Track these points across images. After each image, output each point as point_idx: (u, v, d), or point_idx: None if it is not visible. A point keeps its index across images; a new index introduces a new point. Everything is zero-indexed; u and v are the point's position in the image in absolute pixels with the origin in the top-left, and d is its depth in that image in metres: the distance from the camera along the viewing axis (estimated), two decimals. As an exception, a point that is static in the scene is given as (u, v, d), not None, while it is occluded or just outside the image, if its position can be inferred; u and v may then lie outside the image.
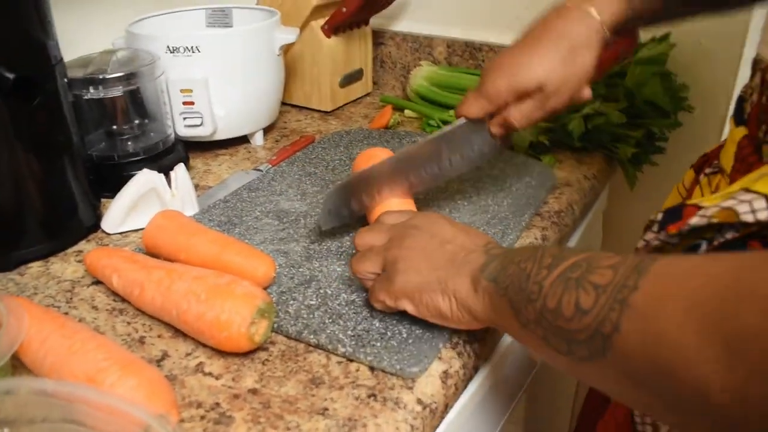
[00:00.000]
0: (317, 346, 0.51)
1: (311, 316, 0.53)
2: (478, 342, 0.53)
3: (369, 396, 0.47)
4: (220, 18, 0.93)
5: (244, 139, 0.92)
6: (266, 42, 0.85)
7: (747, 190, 0.40)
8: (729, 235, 0.41)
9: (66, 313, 0.55)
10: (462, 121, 0.63)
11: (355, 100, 1.10)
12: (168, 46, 0.77)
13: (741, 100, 0.49)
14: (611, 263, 0.35)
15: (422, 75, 1.03)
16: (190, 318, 0.49)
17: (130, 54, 0.76)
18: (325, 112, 1.04)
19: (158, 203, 0.69)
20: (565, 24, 0.56)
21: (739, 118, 0.48)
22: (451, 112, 0.97)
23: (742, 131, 0.47)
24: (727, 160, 0.48)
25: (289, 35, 0.86)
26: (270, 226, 0.68)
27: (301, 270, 0.60)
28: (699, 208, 0.43)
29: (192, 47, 0.77)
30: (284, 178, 0.79)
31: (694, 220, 0.42)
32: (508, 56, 0.58)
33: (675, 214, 0.45)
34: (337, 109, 1.06)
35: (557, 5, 0.58)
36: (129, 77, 0.72)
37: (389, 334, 0.51)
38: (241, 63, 0.82)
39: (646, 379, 0.32)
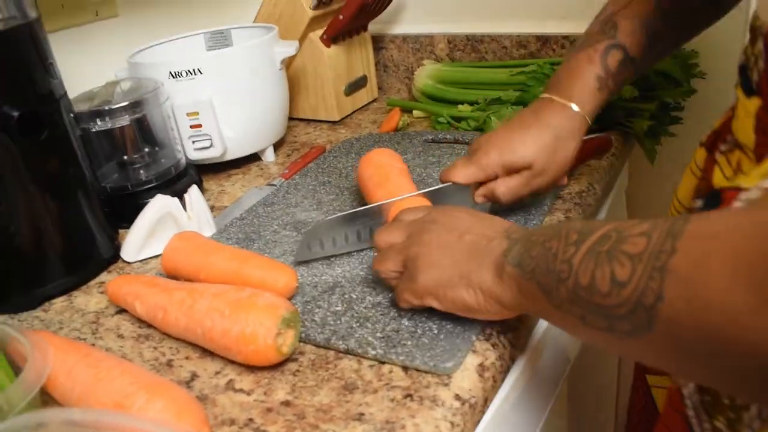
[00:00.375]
0: (347, 352, 0.50)
1: (338, 321, 0.52)
2: (512, 332, 0.51)
3: (405, 396, 0.45)
4: (220, 40, 0.94)
5: (255, 157, 0.91)
6: (266, 57, 0.84)
7: None
8: None
9: (92, 345, 0.55)
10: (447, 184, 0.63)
11: (362, 108, 1.09)
12: (170, 72, 0.77)
13: (744, 69, 0.47)
14: (642, 230, 0.33)
15: (426, 74, 1.02)
16: (215, 335, 0.48)
17: (133, 83, 0.76)
18: (334, 122, 1.04)
19: (175, 227, 0.69)
20: (550, 115, 0.61)
21: (748, 88, 0.45)
22: (461, 107, 0.96)
23: (756, 102, 0.44)
24: (747, 135, 0.45)
25: (288, 48, 0.86)
26: (288, 238, 0.67)
27: (324, 278, 0.59)
28: (740, 190, 0.41)
29: (194, 70, 0.77)
30: (298, 190, 0.78)
31: (737, 204, 0.40)
32: (501, 135, 0.62)
33: (715, 199, 0.43)
34: (345, 117, 1.05)
35: (543, 97, 0.63)
36: (134, 106, 0.72)
37: (419, 331, 0.50)
38: (244, 80, 0.82)
39: (697, 347, 0.30)
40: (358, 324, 0.52)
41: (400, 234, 0.51)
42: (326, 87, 1.00)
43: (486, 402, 0.48)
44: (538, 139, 0.60)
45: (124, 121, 0.71)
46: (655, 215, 0.35)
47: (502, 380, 0.51)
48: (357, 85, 1.06)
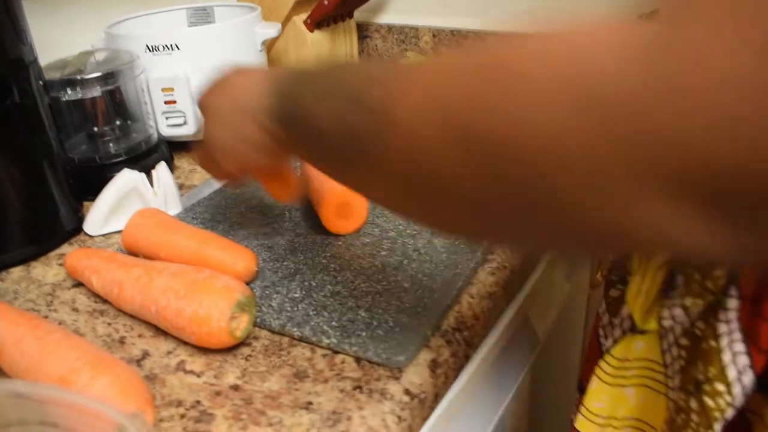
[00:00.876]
0: (301, 339, 0.50)
1: (295, 308, 0.52)
2: (468, 330, 0.52)
3: (354, 388, 0.45)
4: (202, 17, 0.92)
5: (230, 138, 0.90)
6: (247, 37, 0.83)
7: None
8: None
9: (46, 317, 0.54)
10: None
11: (343, 95, 1.08)
12: (147, 45, 0.76)
13: None
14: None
15: (409, 66, 1.02)
16: (169, 314, 0.48)
17: (108, 54, 0.75)
18: (313, 108, 1.03)
19: (140, 203, 0.68)
20: None
21: None
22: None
23: None
24: None
25: (270, 30, 0.85)
26: (254, 222, 0.67)
27: (285, 263, 0.59)
28: None
29: (171, 45, 0.76)
30: (270, 173, 0.78)
31: None
32: None
33: None
34: (325, 104, 1.05)
35: None
36: (107, 77, 0.71)
37: (375, 323, 0.50)
38: (223, 59, 0.81)
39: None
40: (314, 312, 0.52)
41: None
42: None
43: (437, 398, 0.48)
44: None
45: (96, 92, 0.70)
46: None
47: (455, 377, 0.51)
48: (339, 72, 1.05)
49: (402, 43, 1.08)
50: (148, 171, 0.70)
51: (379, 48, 1.11)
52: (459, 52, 0.32)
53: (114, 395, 0.39)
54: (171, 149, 0.82)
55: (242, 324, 0.48)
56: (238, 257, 0.54)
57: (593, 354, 0.54)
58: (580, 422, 0.49)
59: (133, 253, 0.59)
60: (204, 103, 0.52)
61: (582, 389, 0.55)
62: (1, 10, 0.58)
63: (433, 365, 0.48)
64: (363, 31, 1.10)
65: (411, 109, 0.31)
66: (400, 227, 0.63)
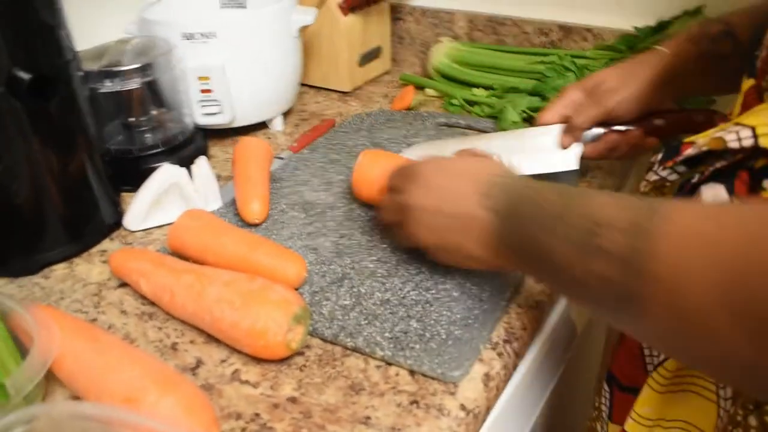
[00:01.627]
0: (354, 350, 0.50)
1: (346, 317, 0.52)
2: (518, 341, 0.52)
3: (411, 403, 0.45)
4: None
5: (263, 125, 0.89)
6: (284, 24, 0.82)
7: (736, 124, 0.41)
8: (718, 164, 0.42)
9: (94, 319, 0.54)
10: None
11: (373, 79, 1.07)
12: (184, 33, 0.74)
13: (753, 56, 0.48)
14: (622, 225, 0.36)
15: (443, 52, 1.00)
16: (224, 326, 0.48)
17: (145, 42, 0.73)
18: (344, 93, 1.01)
19: (181, 198, 0.67)
20: (636, 55, 0.67)
21: (750, 71, 0.47)
22: (475, 91, 0.94)
23: (750, 82, 0.47)
24: (735, 109, 0.48)
25: (306, 16, 0.83)
26: (296, 220, 0.66)
27: (332, 267, 0.58)
28: (693, 143, 0.43)
29: (208, 33, 0.75)
30: (307, 166, 0.77)
31: (689, 151, 0.43)
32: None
33: (673, 150, 0.45)
34: (357, 89, 1.03)
35: None
36: (145, 68, 0.69)
37: (428, 335, 0.50)
38: (259, 47, 0.80)
39: (675, 341, 0.34)
40: (366, 321, 0.51)
41: (392, 208, 0.55)
42: (340, 56, 0.98)
43: (488, 410, 0.48)
44: (615, 67, 0.66)
45: (135, 83, 0.69)
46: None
47: (504, 388, 0.51)
48: (371, 55, 1.03)
49: (435, 27, 1.06)
50: (185, 163, 0.69)
51: (412, 32, 1.08)
52: (706, 207, 0.35)
53: (180, 415, 0.39)
54: (206, 138, 0.81)
55: (298, 336, 0.48)
56: (288, 263, 0.54)
57: (627, 349, 0.54)
58: (630, 426, 0.49)
59: (178, 254, 0.58)
60: (407, 199, 0.52)
61: (613, 379, 0.55)
62: (47, 13, 0.56)
63: (486, 379, 0.48)
64: (396, 13, 1.08)
65: (675, 266, 0.32)
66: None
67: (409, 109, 0.93)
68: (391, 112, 0.91)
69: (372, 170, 0.63)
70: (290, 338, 0.47)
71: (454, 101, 0.93)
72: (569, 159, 0.67)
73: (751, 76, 0.47)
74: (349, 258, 0.59)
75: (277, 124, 0.89)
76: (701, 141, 0.42)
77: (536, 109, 0.85)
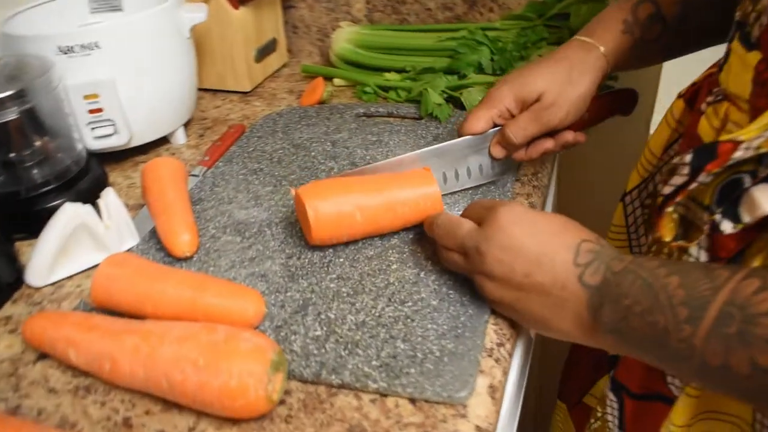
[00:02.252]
0: (342, 386, 0.44)
1: (323, 350, 0.46)
2: (509, 341, 0.48)
3: (421, 436, 0.41)
4: (107, 1, 0.79)
5: (164, 140, 0.79)
6: (173, 25, 0.72)
7: None
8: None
9: (17, 407, 0.45)
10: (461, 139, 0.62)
11: (272, 75, 0.99)
12: (60, 47, 0.63)
13: (742, 25, 0.46)
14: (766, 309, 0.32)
15: (344, 37, 0.94)
16: (188, 390, 0.40)
17: (14, 63, 0.62)
18: (244, 93, 0.93)
19: (91, 240, 0.57)
20: (568, 50, 0.60)
21: (747, 43, 0.45)
22: (388, 75, 0.89)
23: (756, 56, 0.44)
24: (741, 87, 0.46)
25: (198, 14, 0.74)
26: (232, 245, 0.59)
27: (289, 294, 0.52)
28: (736, 143, 0.40)
29: (89, 44, 0.64)
30: (227, 181, 0.69)
31: (739, 154, 0.39)
32: (514, 73, 0.61)
33: (708, 152, 0.42)
34: (257, 87, 0.95)
35: (570, 41, 0.61)
36: (21, 94, 0.58)
37: (420, 355, 0.45)
38: (150, 54, 0.70)
39: None
40: (347, 351, 0.46)
41: (459, 259, 0.49)
42: (235, 53, 0.89)
43: (497, 422, 0.45)
44: (550, 71, 0.58)
45: (11, 113, 0.57)
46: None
47: (503, 393, 0.48)
48: (267, 49, 0.95)
49: (331, 12, 1.00)
50: (85, 197, 0.60)
51: (306, 19, 1.01)
52: None
53: None
54: (102, 164, 0.71)
55: (278, 384, 0.41)
56: (243, 301, 0.47)
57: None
58: None
59: (105, 309, 0.50)
60: (482, 265, 0.46)
61: (620, 387, 0.54)
62: None
63: (492, 391, 0.44)
64: (287, 1, 1.00)
65: None
66: (402, 233, 0.58)
67: (321, 102, 0.87)
68: (303, 109, 0.84)
69: (329, 209, 0.54)
70: (271, 390, 0.41)
71: (367, 89, 0.88)
72: (499, 167, 0.64)
73: (752, 48, 0.44)
74: (305, 280, 0.53)
75: (180, 137, 0.80)
76: (755, 142, 0.39)
77: (456, 88, 0.82)
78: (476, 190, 0.64)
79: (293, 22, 1.02)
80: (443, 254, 0.51)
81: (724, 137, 0.41)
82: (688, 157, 0.43)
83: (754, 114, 0.43)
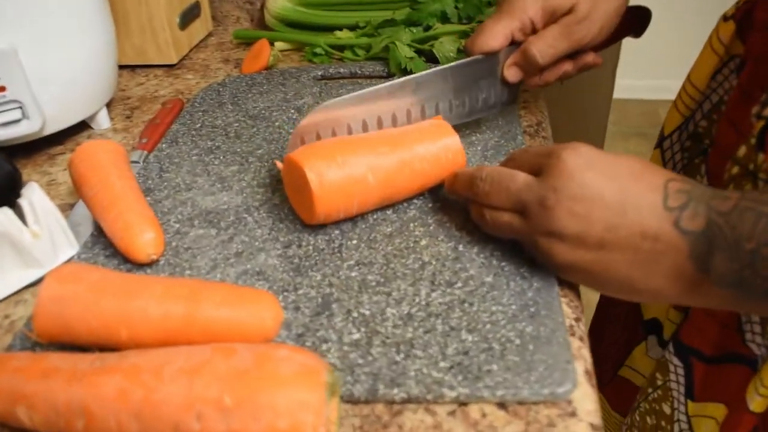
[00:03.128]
0: (407, 401, 0.34)
1: (369, 357, 0.35)
2: (582, 314, 0.40)
3: (531, 450, 0.31)
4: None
5: (83, 126, 0.64)
6: (83, -23, 0.57)
7: None
8: None
9: (-53, 503, 0.31)
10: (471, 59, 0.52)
11: (198, 45, 0.85)
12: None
13: None
14: None
15: (282, -5, 0.82)
16: (214, 441, 0.29)
17: None
18: (170, 67, 0.79)
19: (14, 255, 0.43)
20: None
21: None
22: (339, 33, 0.78)
23: None
24: None
25: (112, -38, 0.59)
26: (207, 239, 0.46)
27: (301, 292, 0.41)
28: None
29: (-24, 0, 0.48)
30: (179, 165, 0.56)
31: None
32: None
33: None
34: (183, 59, 0.81)
35: None
36: None
37: (497, 346, 0.35)
38: (59, 16, 0.55)
39: None
40: (402, 355, 0.35)
41: (513, 219, 0.40)
42: (156, 18, 0.74)
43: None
44: None
45: None
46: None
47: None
48: (191, 14, 0.81)
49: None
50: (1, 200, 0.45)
51: (232, -23, 0.87)
52: None
53: None
54: (11, 159, 0.55)
55: (334, 413, 0.30)
56: (257, 308, 0.35)
57: (706, 316, 0.47)
58: (758, 403, 0.41)
59: (55, 343, 0.36)
60: (550, 222, 0.37)
61: (687, 350, 0.47)
62: None
63: (588, 377, 0.35)
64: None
65: None
66: (419, 203, 0.48)
67: (267, 68, 0.74)
68: (249, 77, 0.71)
69: (336, 173, 0.42)
70: (329, 420, 0.30)
71: (318, 50, 0.77)
72: (508, 94, 0.55)
73: None
74: (316, 272, 0.42)
75: (103, 121, 0.65)
76: None
77: (423, 41, 0.72)
78: (485, 147, 0.55)
79: (217, -18, 0.88)
80: (490, 217, 0.41)
81: None
82: None
83: None
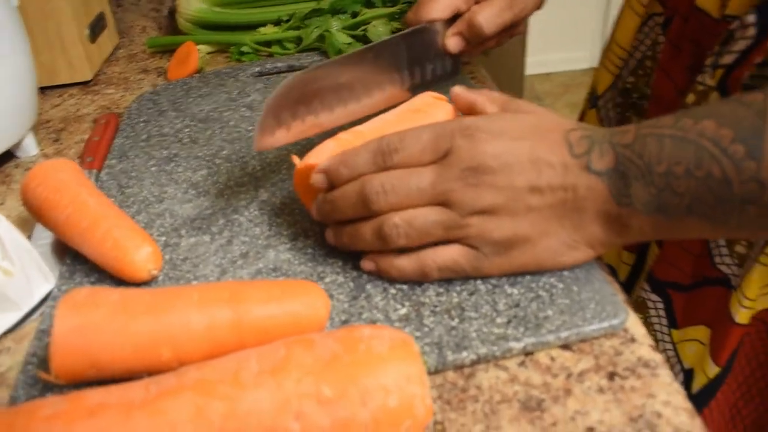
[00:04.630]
0: (476, 362, 0.33)
1: (425, 329, 0.35)
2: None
3: (610, 378, 0.32)
4: None
5: (7, 156, 0.58)
6: (-7, -13, 0.51)
7: None
8: None
9: None
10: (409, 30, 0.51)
11: (108, 59, 0.79)
12: None
13: None
14: None
15: (194, -3, 0.78)
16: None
17: None
18: (85, 84, 0.73)
19: (-11, 298, 0.38)
20: None
21: None
22: (263, 29, 0.76)
23: None
24: None
25: (22, -31, 0.54)
26: (203, 246, 0.43)
27: (328, 280, 0.39)
28: None
29: None
30: (139, 178, 0.51)
31: None
32: None
33: None
34: (98, 75, 0.75)
35: None
36: None
37: (543, 293, 0.36)
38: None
39: None
40: (457, 319, 0.35)
41: (433, 215, 0.36)
42: (66, 33, 0.68)
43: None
44: None
45: None
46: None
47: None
48: (98, 26, 0.75)
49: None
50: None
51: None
52: None
53: None
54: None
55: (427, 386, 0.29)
56: (308, 297, 0.33)
57: (676, 249, 0.49)
58: (743, 315, 0.44)
59: (76, 382, 0.32)
60: (472, 201, 0.35)
61: (663, 284, 0.50)
62: None
63: (628, 301, 0.37)
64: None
65: None
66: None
67: (199, 71, 0.71)
68: (182, 82, 0.67)
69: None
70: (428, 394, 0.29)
71: (245, 48, 0.74)
72: (452, 65, 0.55)
73: None
74: (337, 258, 0.41)
75: (30, 147, 0.59)
76: None
77: (354, 27, 0.71)
78: (454, 114, 0.55)
79: (118, -8, 0.82)
80: (403, 220, 0.36)
81: None
82: (750, 18, 0.39)
83: None
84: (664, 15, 0.52)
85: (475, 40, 0.53)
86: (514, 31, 0.56)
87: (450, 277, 0.37)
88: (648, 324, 0.54)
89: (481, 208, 0.35)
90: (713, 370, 0.48)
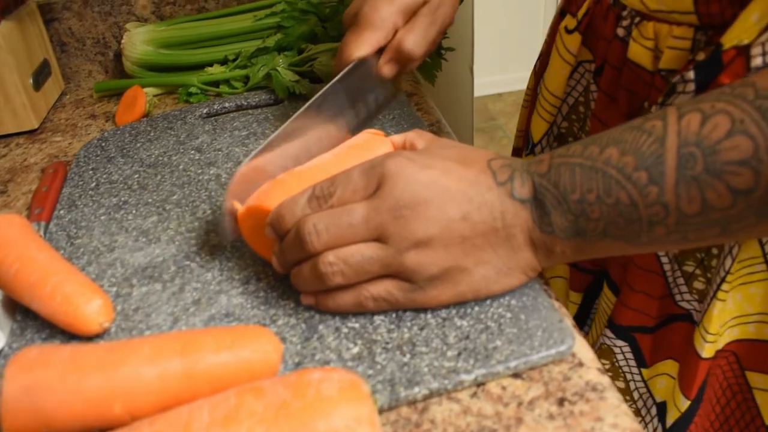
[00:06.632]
0: (428, 397, 0.34)
1: (377, 366, 0.35)
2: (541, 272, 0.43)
3: (560, 404, 0.33)
4: None
5: (-49, 211, 0.57)
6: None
7: None
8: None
9: None
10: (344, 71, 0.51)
11: (54, 106, 0.78)
12: None
13: None
14: (733, 131, 0.30)
15: (140, 39, 0.78)
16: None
17: None
18: (32, 132, 0.72)
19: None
20: None
21: None
22: (210, 69, 0.76)
23: None
24: (676, 1, 0.43)
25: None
26: (154, 295, 0.43)
27: (281, 323, 0.39)
28: (740, 48, 0.38)
29: None
30: (88, 228, 0.51)
31: (758, 62, 0.37)
32: None
33: (712, 64, 0.39)
34: (44, 122, 0.74)
35: None
36: None
37: (491, 324, 0.37)
38: None
39: None
40: (408, 355, 0.36)
41: (371, 252, 0.36)
42: (8, 82, 0.68)
43: (585, 366, 0.39)
44: None
45: None
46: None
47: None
48: (42, 73, 0.74)
49: (108, 16, 0.81)
50: None
51: (76, 31, 0.81)
52: None
53: None
54: None
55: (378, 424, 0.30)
56: (260, 342, 0.34)
57: (638, 295, 0.51)
58: (708, 349, 0.46)
59: (34, 441, 0.32)
60: (403, 233, 0.35)
61: (628, 330, 0.52)
62: None
63: (576, 330, 0.38)
64: (48, 13, 0.79)
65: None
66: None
67: (146, 115, 0.71)
68: (130, 126, 0.67)
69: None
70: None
71: (192, 89, 0.74)
72: (388, 87, 0.56)
73: None
74: (289, 300, 0.41)
75: (-25, 201, 0.58)
76: (764, 40, 0.37)
77: (301, 63, 0.73)
78: (402, 148, 0.57)
79: (60, 37, 0.81)
80: (343, 255, 0.36)
81: (727, 45, 0.39)
82: (690, 74, 0.41)
83: (706, 20, 0.41)
84: (594, 63, 0.53)
85: (408, 64, 0.54)
86: (438, 39, 0.57)
87: (385, 309, 0.38)
88: (615, 368, 0.54)
89: (416, 240, 0.35)
90: (684, 403, 0.49)
